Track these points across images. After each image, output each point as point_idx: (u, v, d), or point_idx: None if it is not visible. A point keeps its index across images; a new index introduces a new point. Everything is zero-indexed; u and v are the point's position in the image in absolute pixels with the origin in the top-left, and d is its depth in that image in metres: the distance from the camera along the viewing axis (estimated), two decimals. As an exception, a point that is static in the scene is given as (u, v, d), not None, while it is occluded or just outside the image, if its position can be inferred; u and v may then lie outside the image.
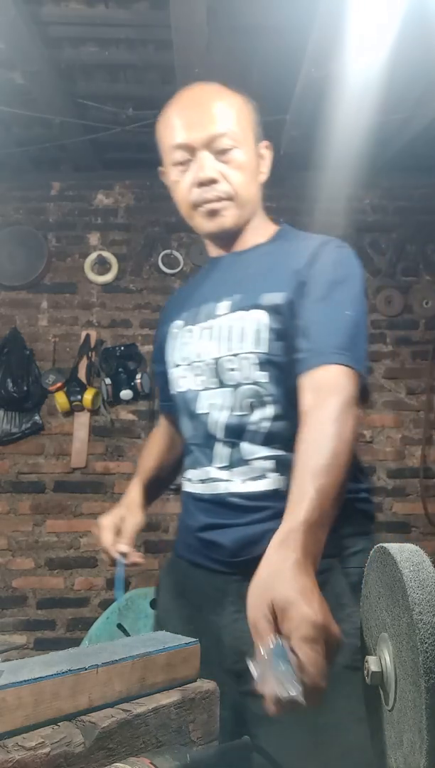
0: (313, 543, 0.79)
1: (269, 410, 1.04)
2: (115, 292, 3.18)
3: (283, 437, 1.03)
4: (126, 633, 2.46)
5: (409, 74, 2.22)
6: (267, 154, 1.19)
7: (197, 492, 1.12)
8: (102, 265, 3.16)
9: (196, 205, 1.12)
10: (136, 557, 1.20)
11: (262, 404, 1.05)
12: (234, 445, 1.06)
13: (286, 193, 3.00)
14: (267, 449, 1.04)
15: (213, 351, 1.09)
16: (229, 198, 1.11)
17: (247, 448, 1.05)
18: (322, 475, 0.84)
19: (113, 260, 3.16)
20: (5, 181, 3.18)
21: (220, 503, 1.07)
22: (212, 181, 1.09)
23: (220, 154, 1.09)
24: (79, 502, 3.07)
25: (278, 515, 0.89)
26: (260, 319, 1.05)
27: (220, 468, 1.07)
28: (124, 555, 1.19)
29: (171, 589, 1.17)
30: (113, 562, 1.20)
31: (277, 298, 1.05)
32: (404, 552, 0.56)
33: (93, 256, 3.16)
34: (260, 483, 1.04)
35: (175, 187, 1.14)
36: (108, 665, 0.62)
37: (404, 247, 3.20)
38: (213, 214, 1.11)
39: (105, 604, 2.92)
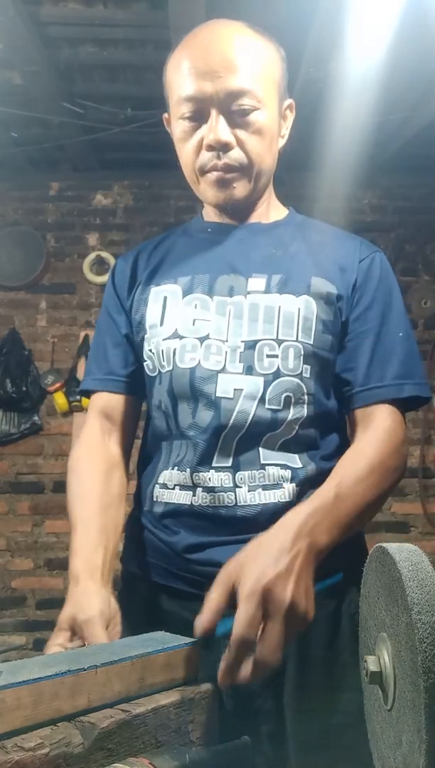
0: (324, 533, 0.78)
1: (303, 410, 0.94)
2: (114, 293, 3.18)
3: (308, 446, 0.94)
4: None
5: (408, 75, 2.22)
6: (290, 116, 1.04)
7: (181, 502, 0.93)
8: (101, 266, 3.16)
9: (203, 171, 0.96)
10: None
11: (299, 402, 0.93)
12: (251, 445, 0.91)
13: (284, 193, 2.99)
14: (287, 455, 0.92)
15: (244, 332, 0.94)
16: (242, 167, 0.95)
17: (265, 450, 0.92)
18: (357, 482, 0.86)
19: (112, 261, 3.16)
20: (4, 181, 3.18)
21: (219, 518, 0.91)
22: (225, 146, 0.92)
23: (238, 114, 0.92)
24: (78, 503, 3.07)
25: None
26: (310, 307, 0.95)
27: (221, 469, 0.91)
28: None
29: (138, 618, 0.96)
30: None
31: (328, 287, 0.97)
32: (403, 552, 0.56)
33: (92, 256, 3.16)
34: (275, 494, 0.91)
35: (180, 146, 0.98)
36: (107, 665, 0.61)
37: (403, 247, 3.20)
38: (222, 184, 0.95)
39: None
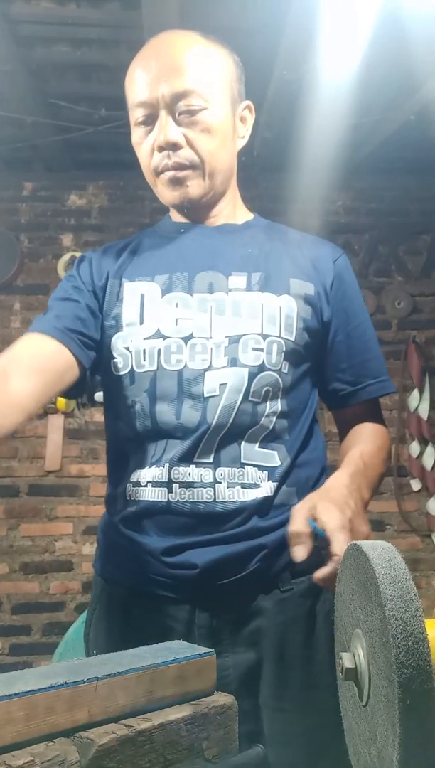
0: (365, 489, 0.90)
1: (277, 405, 0.96)
2: (89, 294, 3.16)
3: (279, 438, 0.97)
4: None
5: (381, 78, 2.25)
6: (249, 117, 1.06)
7: (157, 499, 0.93)
8: (76, 267, 3.14)
9: (157, 172, 0.99)
10: None
11: (275, 396, 0.96)
12: (229, 439, 0.92)
13: (259, 195, 3.02)
14: (262, 453, 0.94)
15: (228, 328, 0.95)
16: (193, 166, 0.97)
17: (245, 446, 0.93)
18: (373, 455, 0.99)
19: (87, 261, 3.13)
20: (-24, 181, 3.14)
21: (197, 514, 0.91)
22: (174, 146, 0.96)
23: (186, 114, 0.95)
24: (53, 506, 3.04)
25: (264, 530, 0.91)
26: (291, 305, 0.98)
27: (202, 464, 0.91)
28: None
29: (112, 622, 0.97)
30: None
31: (306, 288, 1.00)
32: (377, 549, 0.57)
33: (66, 257, 3.13)
34: (253, 492, 0.92)
35: (138, 149, 1.02)
36: (109, 678, 0.57)
37: (377, 248, 3.23)
38: (175, 182, 0.98)
39: (81, 608, 2.89)
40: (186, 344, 0.95)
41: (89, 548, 2.97)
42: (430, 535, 3.10)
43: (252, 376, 0.93)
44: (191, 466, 0.91)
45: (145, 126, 0.98)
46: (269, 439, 0.95)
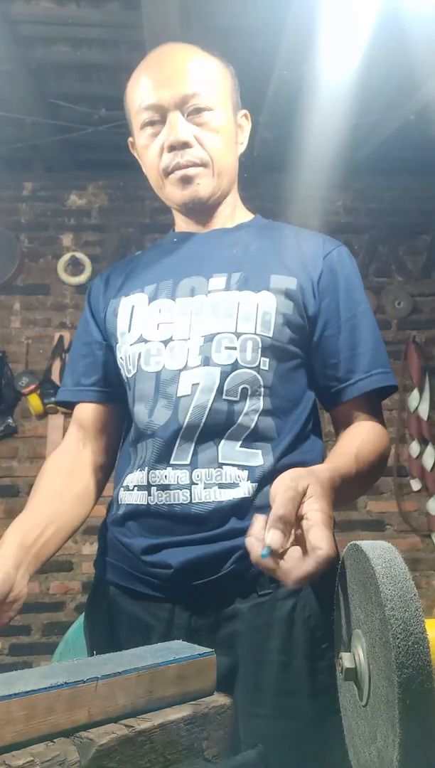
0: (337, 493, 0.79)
1: (259, 402, 0.94)
2: (89, 294, 3.16)
3: (265, 437, 0.94)
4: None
5: (381, 78, 2.25)
6: (246, 124, 1.09)
7: (138, 503, 0.95)
8: (75, 266, 3.14)
9: (166, 172, 1.01)
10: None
11: (256, 394, 0.94)
12: (207, 440, 0.92)
13: (259, 195, 3.02)
14: (244, 452, 0.92)
15: (204, 328, 0.96)
16: (204, 164, 1.00)
17: (224, 447, 0.92)
18: (362, 453, 0.90)
19: (87, 261, 3.14)
20: (-24, 181, 3.14)
21: (174, 516, 0.91)
22: (185, 145, 0.98)
23: (194, 115, 0.99)
24: (53, 506, 3.04)
25: (242, 532, 0.81)
26: (269, 301, 0.97)
27: (179, 466, 0.91)
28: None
29: (101, 621, 1.00)
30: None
31: (288, 282, 0.98)
32: (377, 549, 0.57)
33: (66, 257, 3.13)
34: (230, 492, 0.90)
35: (144, 153, 1.03)
36: (109, 678, 0.57)
37: (376, 248, 3.23)
38: (186, 181, 1.00)
39: (81, 608, 2.89)
40: (166, 347, 0.97)
41: (89, 548, 2.97)
42: (430, 535, 3.10)
43: (225, 375, 0.93)
44: (168, 468, 0.92)
45: (151, 128, 1.01)
46: (253, 438, 0.93)
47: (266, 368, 0.95)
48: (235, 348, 0.94)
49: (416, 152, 2.89)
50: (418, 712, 0.48)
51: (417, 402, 3.12)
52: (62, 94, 2.48)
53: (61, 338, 3.10)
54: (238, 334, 0.95)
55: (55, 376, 3.06)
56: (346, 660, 0.59)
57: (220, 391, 0.92)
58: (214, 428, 0.92)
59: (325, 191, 3.06)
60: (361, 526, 3.07)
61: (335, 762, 0.84)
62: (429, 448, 3.08)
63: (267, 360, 0.95)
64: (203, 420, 0.92)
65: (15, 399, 3.05)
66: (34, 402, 3.00)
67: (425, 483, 3.09)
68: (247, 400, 0.93)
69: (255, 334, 0.95)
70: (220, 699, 0.63)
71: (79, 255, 3.13)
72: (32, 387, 3.01)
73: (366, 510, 3.12)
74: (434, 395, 3.12)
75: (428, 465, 3.08)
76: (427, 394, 3.11)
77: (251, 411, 0.93)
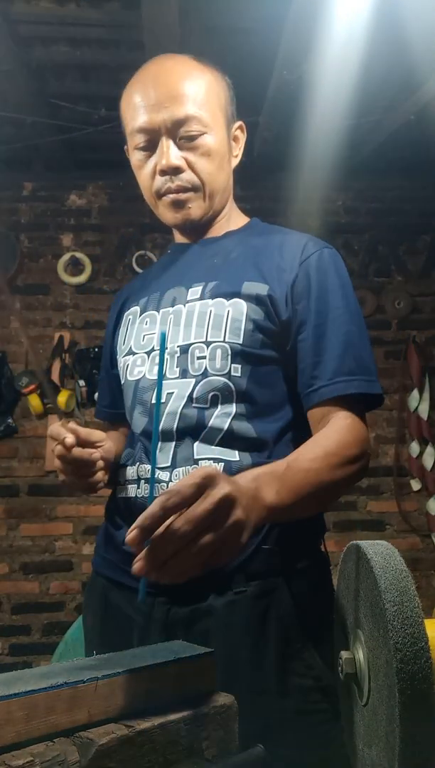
0: (271, 491, 0.76)
1: (232, 407, 0.95)
2: (89, 294, 3.16)
3: (242, 439, 0.94)
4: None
5: (380, 78, 2.25)
6: (241, 136, 1.10)
7: (128, 495, 0.99)
8: (75, 266, 3.14)
9: (159, 194, 1.04)
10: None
11: (227, 400, 0.95)
12: (183, 442, 0.94)
13: (259, 195, 3.02)
14: (220, 450, 0.93)
15: (180, 337, 0.99)
16: (195, 188, 1.02)
17: (198, 446, 0.94)
18: (312, 461, 0.85)
19: (87, 261, 3.14)
20: (-24, 181, 3.14)
21: None
22: (176, 170, 1.00)
23: (186, 139, 1.00)
24: (53, 506, 3.04)
25: None
26: (239, 308, 0.97)
27: (161, 468, 0.94)
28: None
29: (94, 613, 1.04)
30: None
31: (259, 288, 0.98)
32: (377, 549, 0.57)
33: (66, 257, 3.13)
34: None
35: (138, 172, 1.06)
36: (109, 677, 0.57)
37: (376, 248, 3.23)
38: (177, 205, 1.03)
39: (81, 608, 2.89)
40: (148, 356, 1.04)
41: (89, 548, 2.97)
42: (430, 535, 3.10)
43: (196, 384, 0.96)
44: (155, 470, 0.96)
45: (144, 151, 1.03)
46: (229, 439, 0.94)
47: (238, 374, 0.96)
48: (204, 357, 0.97)
49: (416, 152, 2.89)
50: (418, 712, 0.49)
51: (417, 402, 3.13)
52: (62, 94, 2.48)
53: (60, 338, 3.10)
54: (208, 343, 0.97)
55: (54, 376, 3.06)
56: (346, 660, 0.59)
57: (190, 398, 0.95)
58: (188, 431, 0.94)
59: (325, 191, 3.06)
60: (361, 526, 3.07)
61: (304, 762, 0.84)
62: (429, 448, 3.08)
63: (239, 366, 0.96)
64: (175, 425, 0.95)
65: (15, 399, 3.06)
66: (34, 402, 3.00)
67: (425, 483, 3.09)
68: (218, 406, 0.95)
69: (224, 341, 0.96)
70: (220, 699, 0.62)
71: (79, 255, 3.14)
72: (32, 387, 3.01)
73: (366, 510, 3.12)
74: (434, 395, 3.13)
75: (428, 465, 3.08)
76: (427, 394, 3.11)
77: (223, 415, 0.94)
